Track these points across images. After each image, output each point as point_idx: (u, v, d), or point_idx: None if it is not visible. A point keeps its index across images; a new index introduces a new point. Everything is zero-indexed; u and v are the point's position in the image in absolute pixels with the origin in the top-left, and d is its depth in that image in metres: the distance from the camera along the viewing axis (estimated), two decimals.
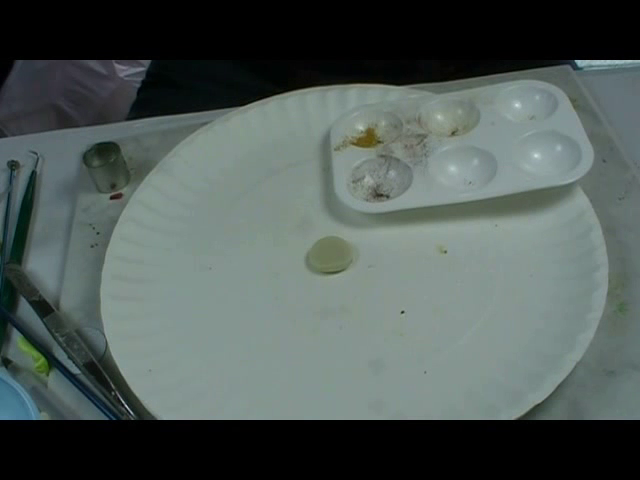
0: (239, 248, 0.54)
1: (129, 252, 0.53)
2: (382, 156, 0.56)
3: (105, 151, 0.60)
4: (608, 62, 0.79)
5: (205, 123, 0.62)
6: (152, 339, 0.49)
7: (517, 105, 0.58)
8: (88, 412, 0.46)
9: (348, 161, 0.56)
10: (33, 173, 0.63)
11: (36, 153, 0.65)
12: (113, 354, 0.47)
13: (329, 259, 0.52)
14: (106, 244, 0.53)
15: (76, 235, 0.57)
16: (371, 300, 0.50)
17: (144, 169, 0.60)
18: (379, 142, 0.58)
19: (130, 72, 1.22)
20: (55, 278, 0.55)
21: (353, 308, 0.49)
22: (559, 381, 0.43)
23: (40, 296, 0.52)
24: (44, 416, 0.45)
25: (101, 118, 1.19)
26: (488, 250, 0.52)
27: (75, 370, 0.48)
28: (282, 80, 0.66)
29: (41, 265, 0.56)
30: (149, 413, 0.44)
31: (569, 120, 0.55)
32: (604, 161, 0.58)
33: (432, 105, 0.59)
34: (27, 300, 0.52)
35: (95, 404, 0.46)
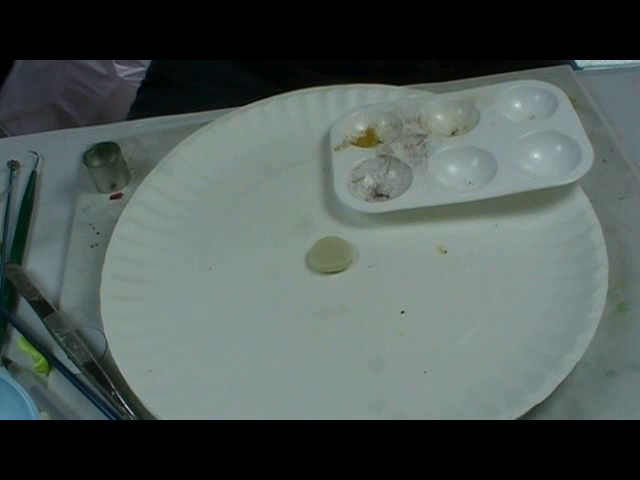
0: (239, 248, 0.54)
1: (129, 252, 0.53)
2: (382, 156, 0.56)
3: (105, 151, 0.60)
4: (608, 62, 0.79)
5: (205, 123, 0.62)
6: (152, 339, 0.49)
7: (517, 105, 0.58)
8: (88, 412, 0.46)
9: (348, 161, 0.56)
10: (33, 173, 0.63)
11: (36, 153, 0.65)
12: (113, 354, 0.47)
13: (329, 259, 0.52)
14: (106, 244, 0.53)
15: (76, 235, 0.57)
16: (371, 300, 0.50)
17: (144, 169, 0.60)
18: (379, 142, 0.58)
19: (130, 72, 1.22)
20: (55, 278, 0.55)
21: (353, 308, 0.49)
22: (559, 381, 0.43)
23: (40, 296, 0.52)
24: (44, 416, 0.45)
25: (101, 118, 1.19)
26: (488, 250, 0.52)
27: (75, 370, 0.48)
28: (282, 80, 0.66)
29: (41, 265, 0.56)
30: (149, 413, 0.44)
31: (569, 120, 0.55)
32: (604, 161, 0.58)
33: (432, 105, 0.59)
34: (27, 300, 0.52)
35: (95, 404, 0.46)
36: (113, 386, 0.46)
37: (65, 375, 0.48)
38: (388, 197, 0.54)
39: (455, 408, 0.44)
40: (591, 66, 0.88)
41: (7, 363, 0.49)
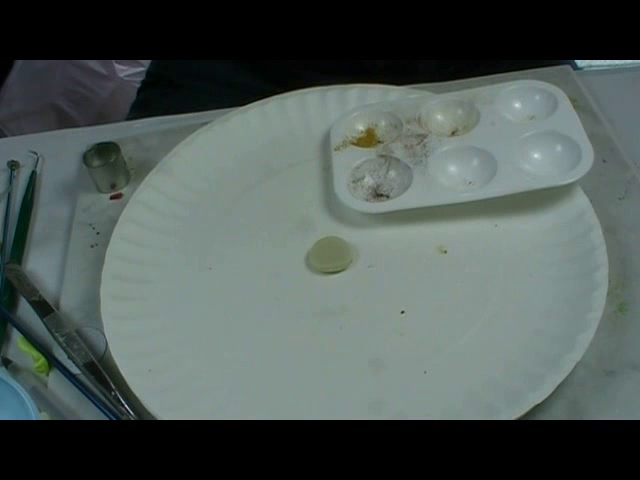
0: (239, 248, 0.54)
1: (129, 252, 0.53)
2: (382, 156, 0.56)
3: (105, 151, 0.60)
4: (608, 62, 0.79)
5: (205, 123, 0.62)
6: (152, 339, 0.49)
7: (517, 105, 0.58)
8: (88, 412, 0.46)
9: (348, 161, 0.56)
10: (33, 173, 0.63)
11: (36, 153, 0.65)
12: (113, 354, 0.47)
13: (329, 259, 0.52)
14: (106, 244, 0.53)
15: (76, 235, 0.57)
16: (371, 300, 0.50)
17: (144, 169, 0.60)
18: (379, 142, 0.58)
19: (130, 72, 1.22)
20: (55, 278, 0.55)
21: (353, 308, 0.49)
22: (559, 381, 0.43)
23: (40, 296, 0.52)
24: (44, 416, 0.45)
25: (101, 118, 1.19)
26: (488, 250, 0.52)
27: (75, 370, 0.48)
28: (282, 80, 0.66)
29: (41, 265, 0.56)
30: (149, 413, 0.44)
31: (569, 120, 0.55)
32: (604, 161, 0.58)
33: (432, 105, 0.59)
34: (27, 300, 0.52)
35: (95, 404, 0.46)
36: (113, 386, 0.46)
37: (65, 375, 0.48)
38: (388, 197, 0.54)
39: (455, 408, 0.44)
40: (591, 66, 0.88)
41: (7, 363, 0.49)
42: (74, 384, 0.47)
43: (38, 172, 0.64)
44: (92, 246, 0.56)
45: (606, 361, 0.46)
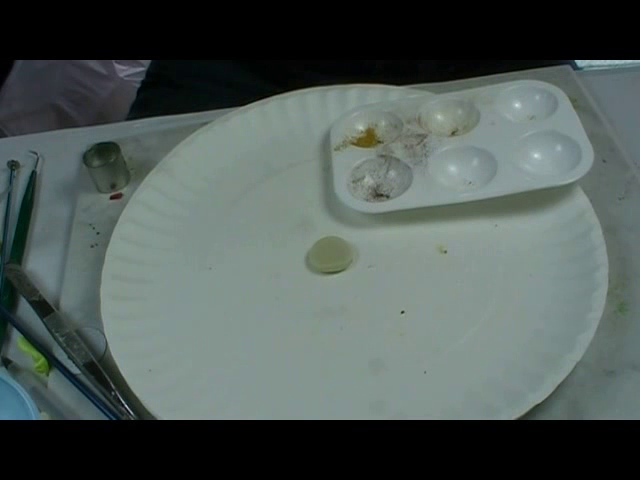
0: (239, 248, 0.54)
1: (129, 252, 0.53)
2: (382, 156, 0.56)
3: (105, 151, 0.60)
4: (608, 62, 0.79)
5: (205, 123, 0.62)
6: (152, 339, 0.49)
7: (517, 105, 0.58)
8: (88, 412, 0.46)
9: (348, 161, 0.56)
10: (33, 173, 0.63)
11: (36, 153, 0.65)
12: (113, 354, 0.47)
13: (329, 259, 0.52)
14: (106, 244, 0.53)
15: (76, 235, 0.57)
16: (371, 300, 0.50)
17: (144, 169, 0.60)
18: (379, 142, 0.58)
19: (130, 72, 1.22)
20: (55, 278, 0.55)
21: (353, 308, 0.49)
22: (559, 381, 0.43)
23: (40, 296, 0.52)
24: (44, 416, 0.45)
25: (101, 118, 1.19)
26: (488, 250, 0.52)
27: (75, 370, 0.48)
28: (282, 80, 0.66)
29: (41, 265, 0.56)
30: (149, 413, 0.44)
31: (569, 120, 0.55)
32: (604, 161, 0.58)
33: (432, 105, 0.59)
34: (27, 300, 0.52)
35: (95, 404, 0.46)
36: (113, 386, 0.46)
37: (65, 375, 0.48)
38: (388, 197, 0.54)
39: (455, 408, 0.44)
40: (591, 66, 0.88)
41: (7, 363, 0.49)
42: (74, 384, 0.47)
43: (38, 172, 0.64)
44: (92, 246, 0.56)
45: (606, 361, 0.46)
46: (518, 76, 0.63)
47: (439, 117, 0.59)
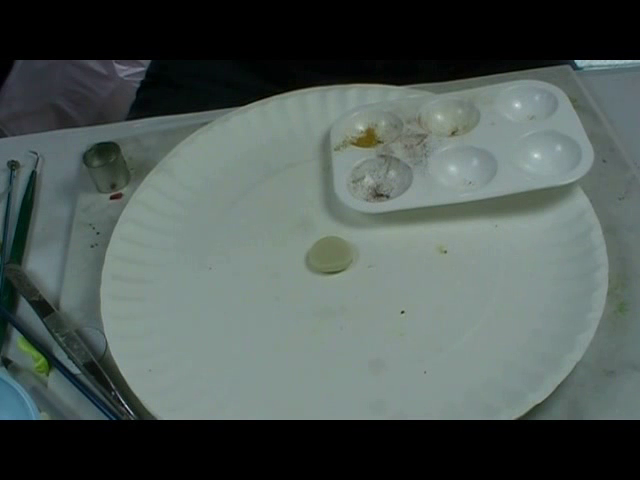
0: (239, 248, 0.54)
1: (129, 252, 0.53)
2: (382, 156, 0.56)
3: (105, 151, 0.60)
4: (608, 62, 0.79)
5: (205, 123, 0.62)
6: (152, 339, 0.49)
7: (517, 105, 0.58)
8: (88, 412, 0.46)
9: (348, 161, 0.56)
10: (33, 173, 0.63)
11: (36, 153, 0.65)
12: (113, 354, 0.47)
13: (329, 259, 0.52)
14: (106, 244, 0.53)
15: (76, 235, 0.57)
16: (371, 300, 0.50)
17: (144, 169, 0.60)
18: (379, 142, 0.58)
19: (130, 72, 1.22)
20: (55, 278, 0.55)
21: (353, 308, 0.49)
22: (559, 381, 0.43)
23: (40, 296, 0.52)
24: (44, 416, 0.45)
25: (101, 118, 1.19)
26: (488, 250, 0.52)
27: (75, 370, 0.48)
28: (282, 80, 0.66)
29: (41, 265, 0.56)
30: (149, 413, 0.44)
31: (569, 120, 0.55)
32: (604, 161, 0.58)
33: (432, 105, 0.59)
34: (27, 300, 0.52)
35: (95, 404, 0.46)
36: (113, 386, 0.46)
37: (65, 375, 0.48)
38: (388, 197, 0.54)
39: (455, 408, 0.44)
40: (591, 66, 0.88)
41: (7, 363, 0.49)
42: (74, 384, 0.47)
43: (38, 172, 0.64)
44: (92, 246, 0.56)
45: (606, 361, 0.46)
46: (518, 76, 0.63)
47: (439, 117, 0.59)
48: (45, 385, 0.48)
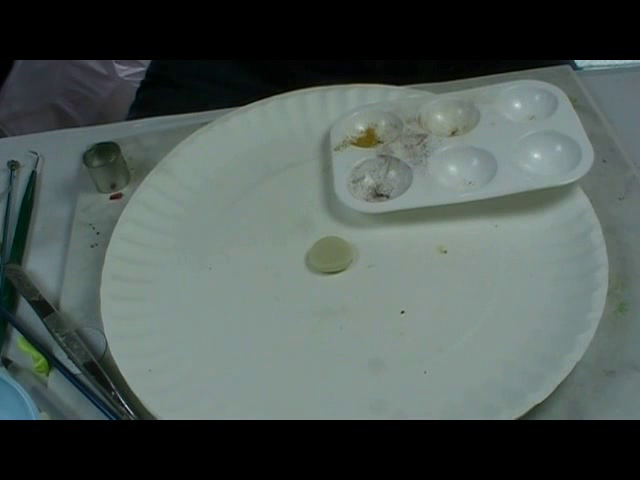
0: (239, 248, 0.54)
1: (129, 252, 0.53)
2: (382, 156, 0.56)
3: (105, 151, 0.60)
4: (608, 62, 0.79)
5: (205, 123, 0.62)
6: (152, 339, 0.49)
7: (517, 105, 0.58)
8: (88, 412, 0.46)
9: (348, 161, 0.56)
10: (33, 173, 0.63)
11: (36, 153, 0.65)
12: (113, 354, 0.47)
13: (329, 259, 0.52)
14: (106, 244, 0.53)
15: (76, 235, 0.57)
16: (371, 300, 0.50)
17: (144, 169, 0.60)
18: (379, 142, 0.58)
19: (130, 72, 1.22)
20: (55, 278, 0.55)
21: (353, 308, 0.49)
22: (559, 381, 0.43)
23: (40, 296, 0.52)
24: (44, 416, 0.45)
25: (101, 118, 1.19)
26: (488, 250, 0.52)
27: (75, 370, 0.48)
28: (282, 80, 0.66)
29: (41, 265, 0.56)
30: (149, 413, 0.44)
31: (569, 120, 0.55)
32: (604, 161, 0.58)
33: (432, 105, 0.59)
34: (27, 300, 0.52)
35: (95, 404, 0.46)
36: (113, 386, 0.46)
37: (65, 375, 0.48)
38: (388, 197, 0.54)
39: (455, 408, 0.44)
40: (591, 66, 0.88)
41: (7, 363, 0.49)
42: (74, 384, 0.47)
43: (38, 172, 0.64)
44: (92, 246, 0.56)
45: (606, 361, 0.46)
46: (518, 76, 0.63)
47: (439, 117, 0.59)
48: (45, 385, 0.48)
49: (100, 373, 0.47)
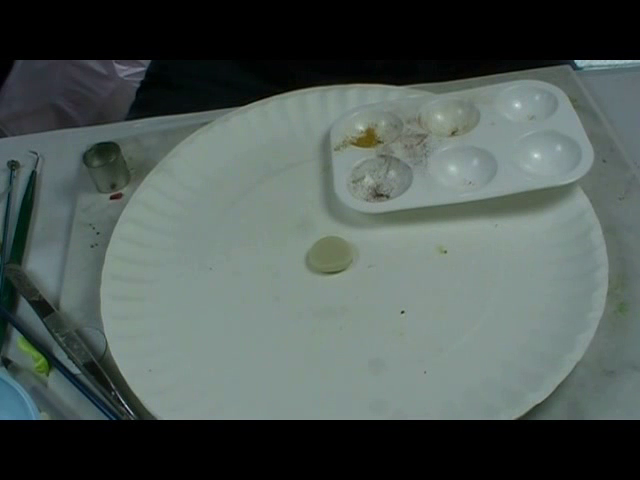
0: (239, 248, 0.54)
1: (129, 252, 0.53)
2: (382, 156, 0.56)
3: (105, 151, 0.60)
4: (608, 62, 0.79)
5: (205, 123, 0.62)
6: (152, 339, 0.49)
7: (517, 105, 0.58)
8: (88, 412, 0.46)
9: (348, 161, 0.56)
10: (33, 173, 0.63)
11: (36, 153, 0.65)
12: (113, 354, 0.47)
13: (329, 259, 0.52)
14: (106, 244, 0.53)
15: (76, 235, 0.57)
16: (371, 300, 0.50)
17: (144, 169, 0.60)
18: (379, 142, 0.58)
19: (130, 72, 1.22)
20: (55, 278, 0.55)
21: (353, 308, 0.49)
22: (559, 381, 0.43)
23: (40, 296, 0.52)
24: (44, 416, 0.45)
25: (101, 118, 1.19)
26: (488, 250, 0.52)
27: (75, 370, 0.48)
28: (282, 80, 0.66)
29: (41, 265, 0.56)
30: (149, 413, 0.44)
31: (569, 120, 0.55)
32: (604, 161, 0.58)
33: (432, 105, 0.59)
34: (27, 300, 0.52)
35: (95, 404, 0.46)
36: (113, 386, 0.46)
37: (65, 375, 0.48)
38: (388, 197, 0.54)
39: (455, 408, 0.44)
40: (591, 66, 0.88)
41: (7, 363, 0.49)
42: (74, 384, 0.47)
43: (38, 172, 0.64)
44: (92, 246, 0.56)
45: (606, 361, 0.46)
46: (518, 76, 0.63)
47: (439, 117, 0.59)
48: (45, 385, 0.48)
49: (100, 373, 0.47)
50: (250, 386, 0.46)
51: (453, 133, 0.58)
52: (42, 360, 0.49)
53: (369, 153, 0.56)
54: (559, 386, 0.43)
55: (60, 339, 0.49)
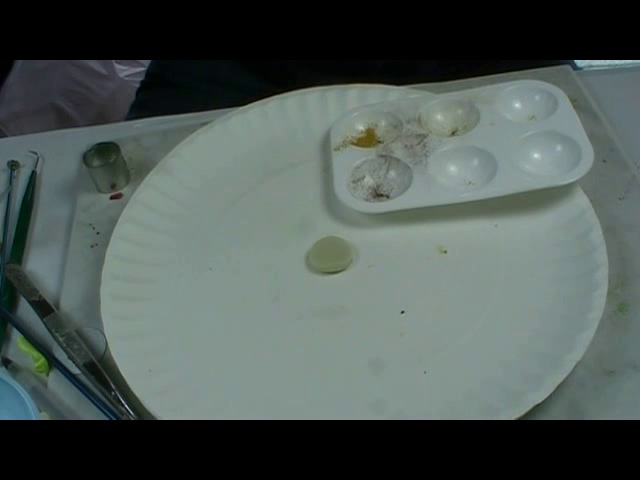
0: (239, 248, 0.54)
1: (129, 252, 0.53)
2: (382, 156, 0.56)
3: (105, 151, 0.60)
4: (608, 62, 0.79)
5: (205, 123, 0.62)
6: (152, 339, 0.49)
7: (517, 105, 0.58)
8: (88, 412, 0.46)
9: (348, 161, 0.56)
10: (33, 173, 0.63)
11: (36, 153, 0.65)
12: (113, 354, 0.47)
13: (329, 259, 0.52)
14: (106, 244, 0.53)
15: (76, 235, 0.57)
16: (371, 300, 0.50)
17: (144, 169, 0.60)
18: (379, 142, 0.58)
19: (130, 72, 1.23)
20: (55, 278, 0.55)
21: (353, 308, 0.49)
22: (559, 381, 0.43)
23: (40, 296, 0.52)
24: (44, 416, 0.45)
25: (101, 118, 1.19)
26: (488, 250, 0.52)
27: (75, 370, 0.48)
28: (282, 80, 0.66)
29: (41, 265, 0.56)
30: (149, 413, 0.44)
31: (569, 120, 0.55)
32: (604, 161, 0.58)
33: (432, 105, 0.59)
34: (27, 300, 0.52)
35: (95, 404, 0.46)
36: (113, 386, 0.46)
37: (65, 375, 0.48)
38: (388, 197, 0.54)
39: (455, 408, 0.43)
40: (591, 66, 0.88)
41: (7, 363, 0.49)
42: (74, 384, 0.47)
43: (38, 172, 0.64)
44: (92, 246, 0.56)
45: (606, 361, 0.46)
46: (518, 76, 0.63)
47: (439, 117, 0.59)
48: (45, 385, 0.48)
49: (100, 373, 0.47)
50: (250, 386, 0.46)
51: (453, 133, 0.58)
52: (42, 360, 0.49)
53: (369, 153, 0.56)
54: (559, 386, 0.43)
55: (60, 339, 0.49)
